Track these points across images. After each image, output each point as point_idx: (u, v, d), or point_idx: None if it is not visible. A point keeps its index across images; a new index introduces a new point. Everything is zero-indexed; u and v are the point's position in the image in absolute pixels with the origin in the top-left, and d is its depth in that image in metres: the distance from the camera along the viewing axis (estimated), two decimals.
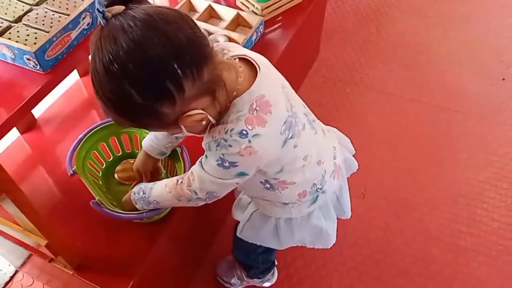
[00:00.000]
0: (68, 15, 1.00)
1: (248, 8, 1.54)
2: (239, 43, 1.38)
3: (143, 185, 0.98)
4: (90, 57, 0.66)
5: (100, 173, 1.14)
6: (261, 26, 1.48)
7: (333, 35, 2.27)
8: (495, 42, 2.24)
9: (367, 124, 1.88)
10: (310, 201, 0.94)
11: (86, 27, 1.00)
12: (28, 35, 0.97)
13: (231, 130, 0.73)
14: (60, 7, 1.03)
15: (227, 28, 1.46)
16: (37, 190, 1.16)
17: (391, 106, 1.95)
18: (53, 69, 0.93)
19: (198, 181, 0.83)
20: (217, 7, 1.53)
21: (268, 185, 0.88)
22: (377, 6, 2.45)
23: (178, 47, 0.64)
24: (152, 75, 0.63)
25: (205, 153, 0.80)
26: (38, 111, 1.37)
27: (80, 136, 1.09)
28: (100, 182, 1.12)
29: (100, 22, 0.63)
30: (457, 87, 2.03)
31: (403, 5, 2.46)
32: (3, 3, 1.05)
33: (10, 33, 0.98)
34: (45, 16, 1.01)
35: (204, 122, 0.73)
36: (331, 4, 2.45)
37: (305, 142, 0.84)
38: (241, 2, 1.55)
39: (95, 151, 1.12)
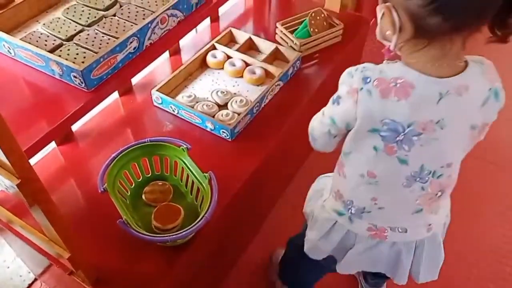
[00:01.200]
0: (117, 38, 1.05)
1: (286, 43, 1.57)
2: (275, 76, 1.40)
3: None
4: None
5: (129, 193, 1.15)
6: (298, 62, 1.50)
7: None
8: None
9: None
10: (340, 209, 0.92)
11: (132, 50, 1.05)
12: (77, 54, 1.02)
13: (363, 68, 0.77)
14: (110, 30, 1.09)
15: (264, 60, 1.48)
16: (65, 201, 1.18)
17: None
18: (97, 88, 0.97)
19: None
20: (257, 40, 1.57)
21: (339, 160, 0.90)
22: None
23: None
24: None
25: None
26: (75, 125, 1.41)
27: (113, 155, 1.11)
28: (128, 201, 1.13)
29: None
30: (496, 138, 1.98)
31: None
32: (58, 21, 1.11)
33: (61, 50, 1.03)
34: (95, 37, 1.06)
35: (388, 32, 0.76)
36: (369, 45, 2.46)
37: (392, 170, 0.81)
38: (281, 37, 1.59)
39: (126, 171, 1.14)
